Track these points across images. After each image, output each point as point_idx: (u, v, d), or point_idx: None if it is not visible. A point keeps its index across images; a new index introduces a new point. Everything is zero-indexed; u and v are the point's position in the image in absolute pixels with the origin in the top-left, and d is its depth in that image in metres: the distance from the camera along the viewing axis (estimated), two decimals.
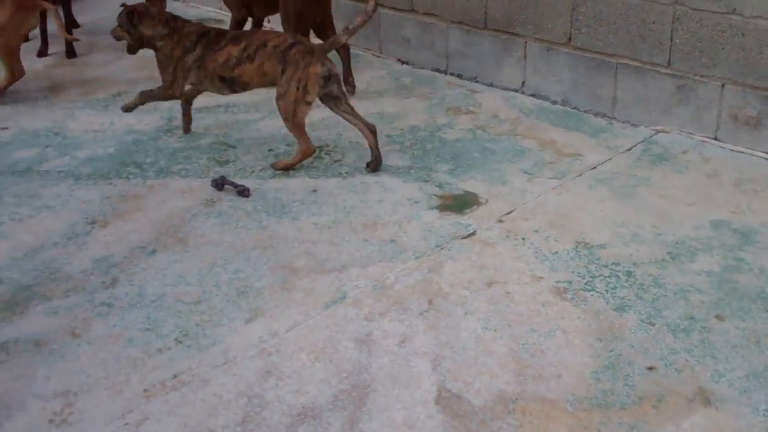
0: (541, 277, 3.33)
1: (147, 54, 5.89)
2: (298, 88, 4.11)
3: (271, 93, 4.89)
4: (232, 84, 4.32)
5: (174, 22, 4.37)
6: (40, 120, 4.96)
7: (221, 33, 4.36)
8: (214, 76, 4.31)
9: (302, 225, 3.79)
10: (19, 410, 2.72)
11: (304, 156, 4.24)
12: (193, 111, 5.00)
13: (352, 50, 5.29)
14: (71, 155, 4.51)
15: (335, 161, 4.38)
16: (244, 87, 4.34)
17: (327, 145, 4.55)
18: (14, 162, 4.45)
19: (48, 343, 3.04)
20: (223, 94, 4.47)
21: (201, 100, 5.14)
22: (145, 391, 2.78)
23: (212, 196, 4.06)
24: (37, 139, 4.72)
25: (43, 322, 3.16)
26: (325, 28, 5.19)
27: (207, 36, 4.33)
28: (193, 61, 4.32)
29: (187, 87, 4.50)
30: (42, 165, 4.41)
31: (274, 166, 4.29)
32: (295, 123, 4.18)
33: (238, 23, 5.58)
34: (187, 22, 4.43)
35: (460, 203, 3.92)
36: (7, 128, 4.88)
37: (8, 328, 3.14)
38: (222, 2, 6.02)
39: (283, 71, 4.13)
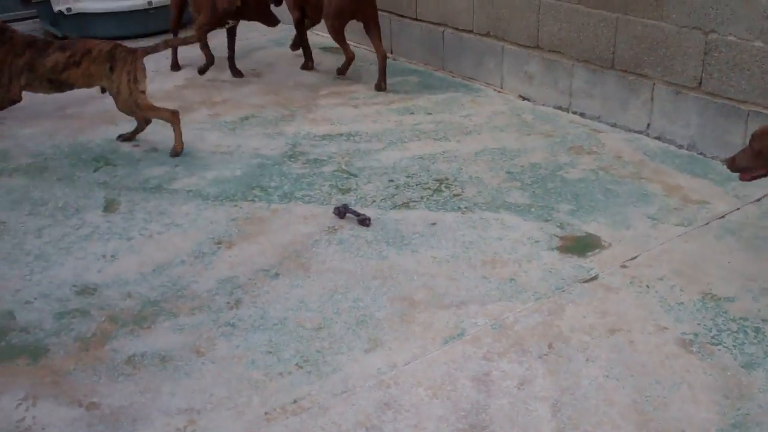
0: (666, 328, 3.25)
1: (274, 79, 6.07)
2: (129, 80, 4.78)
3: (390, 125, 4.96)
4: (60, 86, 4.95)
5: (3, 33, 4.88)
6: (171, 140, 5.13)
7: (48, 42, 4.95)
8: (44, 78, 4.89)
9: (421, 258, 3.80)
10: (144, 424, 2.81)
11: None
12: (316, 138, 5.11)
13: (474, 85, 5.32)
14: (199, 175, 4.66)
15: (455, 195, 4.39)
16: (71, 87, 4.97)
17: (446, 179, 4.57)
18: (145, 179, 4.62)
19: (173, 360, 3.13)
20: (49, 93, 5.06)
21: (325, 128, 5.26)
22: (266, 414, 2.83)
23: (334, 223, 4.12)
24: (167, 157, 4.89)
25: (169, 338, 3.26)
26: (369, 28, 5.93)
27: (35, 45, 4.89)
28: (23, 65, 4.85)
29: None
30: (171, 183, 4.56)
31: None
32: (143, 110, 4.89)
33: (297, 24, 6.36)
34: (14, 31, 4.94)
35: (582, 245, 3.87)
36: (139, 145, 5.07)
37: (136, 341, 3.25)
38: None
39: (111, 69, 4.79)
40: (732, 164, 3.64)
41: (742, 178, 3.64)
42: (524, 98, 5.76)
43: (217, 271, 3.73)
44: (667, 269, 3.66)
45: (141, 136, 5.18)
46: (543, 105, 5.64)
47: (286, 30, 7.44)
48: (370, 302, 3.46)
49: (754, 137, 3.55)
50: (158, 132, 5.25)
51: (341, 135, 5.20)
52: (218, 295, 3.54)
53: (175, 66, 6.48)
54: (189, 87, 6.11)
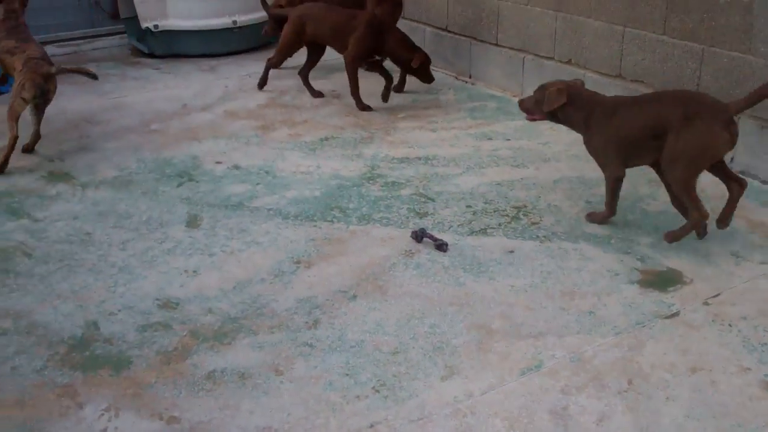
0: (749, 369, 3.19)
1: (353, 101, 6.12)
2: (20, 84, 5.02)
3: (468, 150, 4.97)
4: None
5: None
6: (252, 158, 5.22)
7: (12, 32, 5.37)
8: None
9: (498, 286, 3.80)
10: None
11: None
12: (394, 161, 5.15)
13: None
14: (280, 194, 4.72)
15: (533, 223, 4.37)
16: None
17: (525, 206, 4.55)
18: (227, 196, 4.70)
19: (252, 377, 3.17)
20: None
21: (403, 151, 5.29)
22: None
23: (411, 247, 4.13)
24: (248, 176, 4.98)
25: (249, 355, 3.31)
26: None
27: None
28: None
29: None
30: (252, 201, 4.64)
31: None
32: (10, 114, 5.02)
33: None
34: None
35: (663, 280, 3.82)
36: (221, 162, 5.17)
37: (216, 357, 3.31)
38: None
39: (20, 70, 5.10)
40: (521, 105, 4.47)
41: (527, 118, 4.48)
42: None
43: (296, 290, 3.77)
44: (751, 308, 3.58)
45: (227, 152, 5.28)
46: None
47: None
48: (447, 329, 3.47)
49: (538, 88, 4.35)
50: (240, 149, 5.35)
51: (419, 158, 5.23)
52: (297, 315, 3.58)
53: (263, 83, 6.55)
54: (271, 106, 6.21)
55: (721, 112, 3.87)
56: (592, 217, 4.37)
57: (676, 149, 3.88)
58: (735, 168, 4.96)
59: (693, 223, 4.01)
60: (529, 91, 6.16)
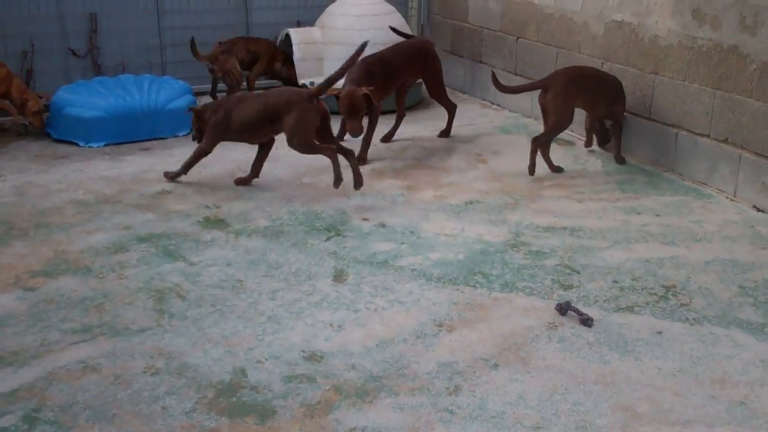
0: None
1: (498, 166, 6.14)
2: None
3: (616, 223, 4.91)
4: None
5: None
6: (398, 217, 5.31)
7: None
8: None
9: (645, 367, 3.70)
10: None
11: None
12: (539, 229, 5.12)
13: (705, 191, 5.15)
14: (423, 255, 4.77)
15: (682, 305, 4.25)
16: None
17: (674, 286, 4.44)
18: (373, 253, 4.79)
19: None
20: None
21: (548, 220, 5.26)
22: None
23: (555, 319, 4.09)
24: (394, 234, 5.06)
25: (390, 416, 3.34)
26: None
27: None
28: None
29: None
30: (397, 260, 4.71)
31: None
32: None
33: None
34: None
35: None
36: (368, 219, 5.27)
37: (357, 415, 3.35)
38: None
39: None
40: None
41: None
42: (759, 209, 5.52)
43: (438, 354, 3.79)
44: None
45: (373, 210, 5.39)
46: None
47: (513, 118, 7.57)
48: (591, 408, 3.40)
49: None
50: (386, 208, 5.44)
51: (564, 229, 5.18)
52: (437, 379, 3.59)
53: (388, 138, 6.83)
54: (416, 167, 6.29)
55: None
56: (168, 175, 5.88)
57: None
58: None
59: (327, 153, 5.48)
60: (683, 168, 6.06)
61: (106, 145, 6.69)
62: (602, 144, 6.56)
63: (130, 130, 6.79)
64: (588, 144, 6.69)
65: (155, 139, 6.86)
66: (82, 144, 6.69)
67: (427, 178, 6.07)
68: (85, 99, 6.77)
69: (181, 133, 6.92)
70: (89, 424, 3.28)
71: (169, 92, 7.04)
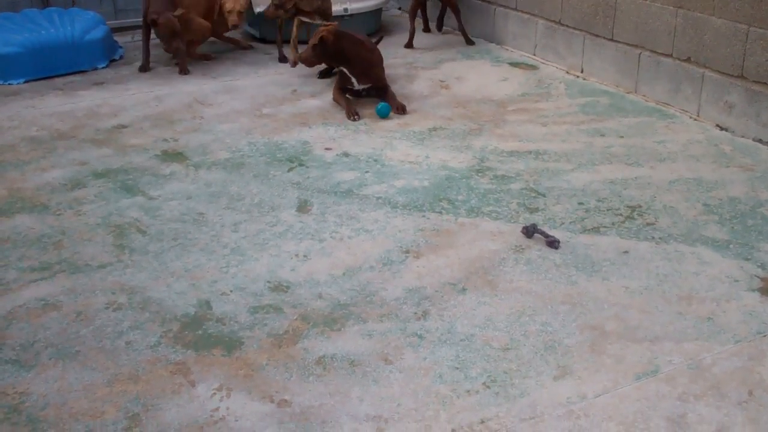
0: None
1: (462, 92, 6.07)
2: None
3: (580, 146, 4.87)
4: None
5: None
6: (361, 146, 5.22)
7: None
8: None
9: (612, 287, 3.70)
10: (333, 427, 2.85)
11: None
12: (504, 154, 5.07)
13: (669, 111, 5.12)
14: (388, 183, 4.71)
15: (648, 224, 4.25)
16: None
17: (639, 206, 4.43)
18: (337, 183, 4.72)
19: (362, 365, 3.17)
20: None
21: (512, 144, 5.21)
22: (453, 430, 2.82)
23: (521, 242, 4.07)
24: (357, 163, 4.98)
25: (358, 342, 3.31)
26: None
27: None
28: None
29: None
30: (361, 189, 4.64)
31: None
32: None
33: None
34: None
35: None
36: (331, 149, 5.19)
37: (326, 343, 3.31)
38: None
39: None
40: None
41: None
42: (722, 128, 5.51)
43: (405, 280, 3.75)
44: None
45: (336, 139, 5.30)
46: (742, 137, 5.38)
47: (478, 43, 7.47)
48: (559, 327, 3.40)
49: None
50: (349, 137, 5.35)
51: (529, 152, 5.14)
52: (406, 305, 3.56)
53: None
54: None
55: None
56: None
57: None
58: None
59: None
60: (647, 89, 6.03)
61: (26, 82, 6.47)
62: (440, 28, 7.86)
63: (50, 65, 6.56)
64: (426, 29, 7.85)
65: (76, 72, 6.66)
66: (0, 82, 6.46)
67: None
68: None
69: (101, 65, 6.73)
70: (52, 362, 3.21)
71: (84, 24, 6.79)
